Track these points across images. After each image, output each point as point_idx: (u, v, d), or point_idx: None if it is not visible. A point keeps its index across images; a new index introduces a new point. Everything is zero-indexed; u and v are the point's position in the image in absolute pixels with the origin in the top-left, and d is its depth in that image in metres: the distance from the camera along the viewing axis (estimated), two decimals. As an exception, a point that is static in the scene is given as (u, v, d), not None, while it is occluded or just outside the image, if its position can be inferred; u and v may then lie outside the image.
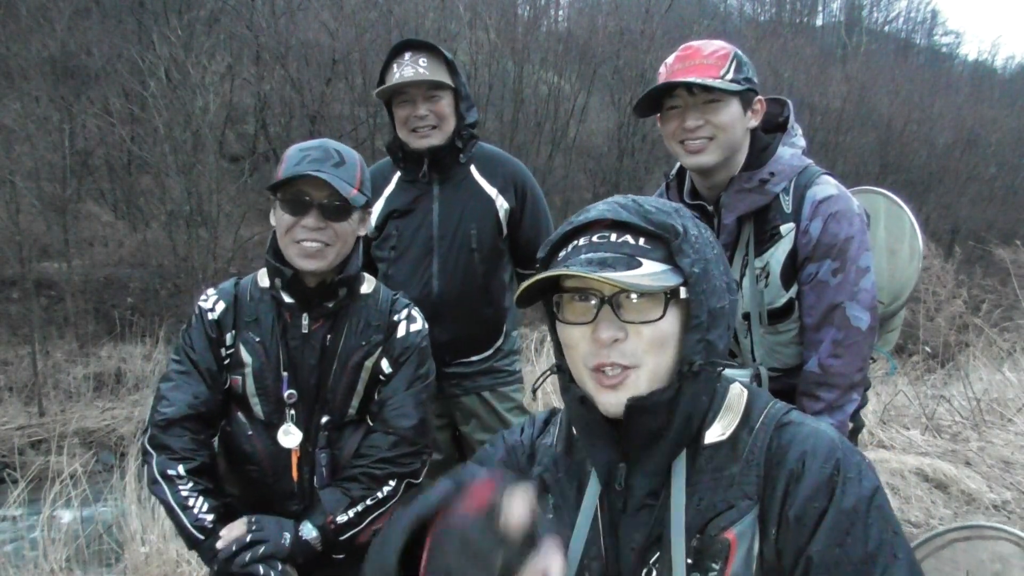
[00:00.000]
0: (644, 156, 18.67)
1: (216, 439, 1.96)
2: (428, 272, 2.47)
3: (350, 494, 1.82)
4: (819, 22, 36.69)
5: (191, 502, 1.77)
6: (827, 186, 1.92)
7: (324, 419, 1.86)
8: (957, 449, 4.73)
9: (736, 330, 2.05)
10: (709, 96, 1.87)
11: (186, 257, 13.76)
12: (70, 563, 3.89)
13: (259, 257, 12.91)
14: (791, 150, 1.98)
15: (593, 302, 1.04)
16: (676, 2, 21.53)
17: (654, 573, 1.05)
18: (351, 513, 1.81)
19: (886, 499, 1.01)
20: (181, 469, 1.78)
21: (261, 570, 1.70)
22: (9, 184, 11.80)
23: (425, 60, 2.37)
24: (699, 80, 1.83)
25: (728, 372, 1.15)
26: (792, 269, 1.93)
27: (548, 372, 1.19)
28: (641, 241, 1.06)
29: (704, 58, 1.87)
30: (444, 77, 2.39)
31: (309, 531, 1.79)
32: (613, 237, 1.06)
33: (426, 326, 1.98)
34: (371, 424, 1.91)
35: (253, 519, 1.79)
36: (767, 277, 1.95)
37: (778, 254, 1.92)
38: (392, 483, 1.86)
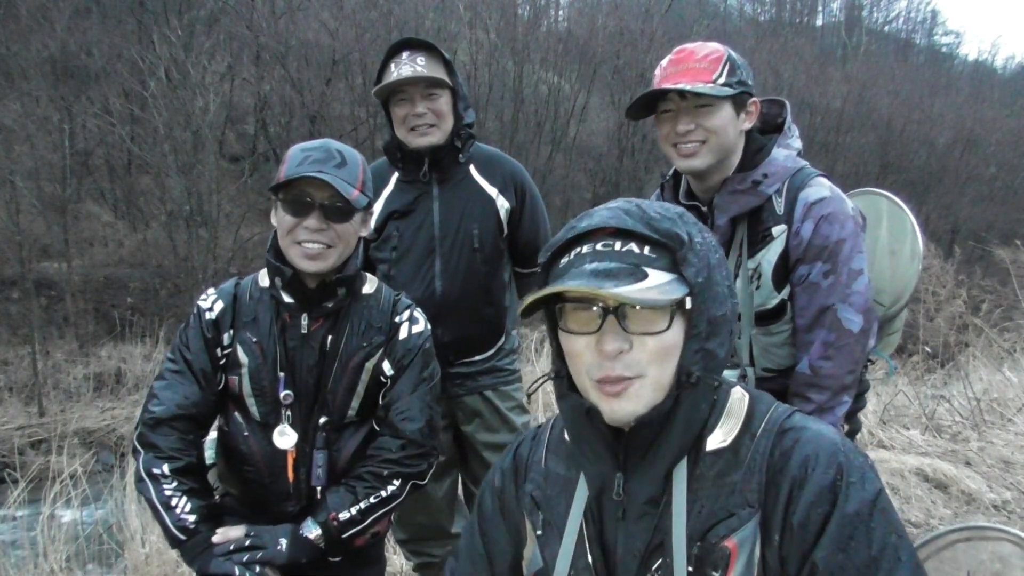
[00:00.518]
0: (644, 156, 18.69)
1: (207, 439, 1.96)
2: (431, 273, 2.47)
3: (354, 492, 1.81)
4: (819, 22, 36.78)
5: (174, 502, 1.76)
6: (820, 188, 1.91)
7: (322, 420, 1.85)
8: (957, 449, 4.74)
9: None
10: (700, 101, 1.87)
11: (186, 257, 13.77)
12: (70, 563, 3.89)
13: (259, 257, 12.93)
14: (786, 151, 1.98)
15: (597, 312, 1.03)
16: (676, 2, 21.54)
17: None
18: (354, 511, 1.80)
19: (889, 502, 1.01)
20: (166, 468, 1.77)
21: (236, 571, 1.68)
22: (9, 184, 11.81)
23: (423, 59, 2.37)
24: (688, 87, 1.84)
25: None
26: (784, 271, 1.93)
27: (544, 378, 1.19)
28: (646, 250, 1.04)
29: (697, 62, 1.88)
30: (442, 75, 2.39)
31: (310, 529, 1.78)
32: (617, 245, 1.04)
33: (428, 327, 1.96)
34: (378, 428, 1.90)
35: (251, 529, 1.78)
36: (759, 278, 1.95)
37: (770, 256, 1.92)
38: (397, 482, 1.85)
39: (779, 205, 1.92)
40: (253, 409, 1.85)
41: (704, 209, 2.01)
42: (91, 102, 14.60)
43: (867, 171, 21.66)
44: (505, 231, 2.55)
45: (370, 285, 1.95)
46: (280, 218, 1.80)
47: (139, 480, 1.80)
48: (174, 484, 1.77)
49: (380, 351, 1.88)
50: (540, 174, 16.11)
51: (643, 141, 18.33)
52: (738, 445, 1.06)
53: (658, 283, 1.01)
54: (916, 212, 2.22)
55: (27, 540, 4.05)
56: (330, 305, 1.84)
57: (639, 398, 1.03)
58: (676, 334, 1.04)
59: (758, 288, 1.95)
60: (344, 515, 1.79)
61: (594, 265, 1.03)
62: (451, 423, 2.62)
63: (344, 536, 1.81)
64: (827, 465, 1.00)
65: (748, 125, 1.96)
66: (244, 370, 1.84)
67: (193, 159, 13.63)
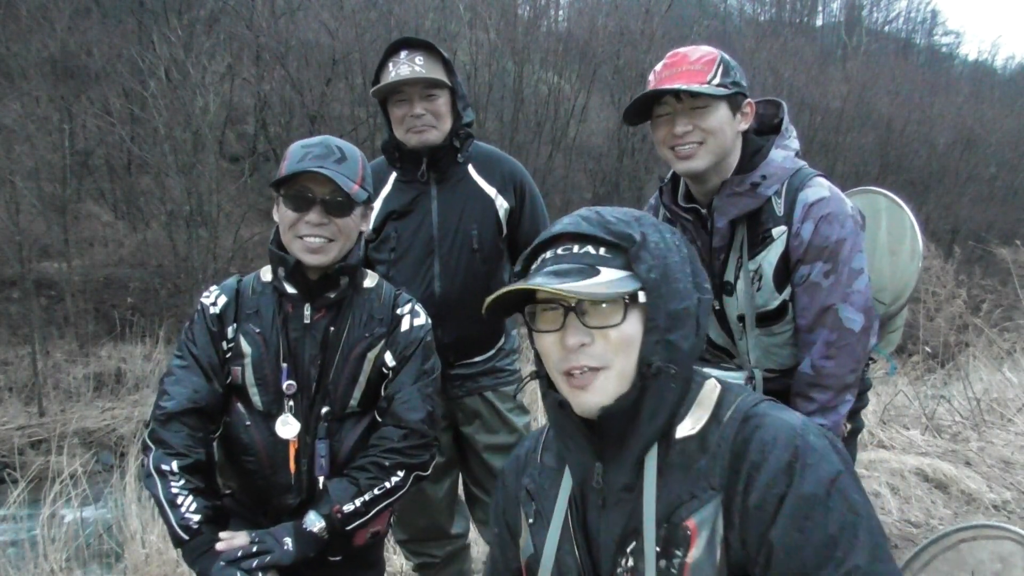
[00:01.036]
0: (644, 156, 18.69)
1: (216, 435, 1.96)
2: (430, 273, 2.46)
3: (358, 483, 1.81)
4: (819, 22, 36.77)
5: (180, 500, 1.76)
6: (819, 188, 1.92)
7: (324, 410, 1.86)
8: (957, 449, 4.74)
9: (733, 332, 2.06)
10: (696, 102, 1.88)
11: (186, 257, 13.77)
12: (70, 563, 3.89)
13: (259, 257, 12.94)
14: (784, 152, 1.98)
15: (560, 311, 1.12)
16: (676, 2, 21.53)
17: (631, 561, 1.11)
18: (358, 502, 1.80)
19: (852, 483, 1.03)
20: (175, 465, 1.78)
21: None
22: (9, 184, 11.81)
23: (421, 58, 2.36)
24: (684, 87, 1.85)
25: (723, 374, 1.19)
26: (785, 271, 1.94)
27: (528, 378, 1.28)
28: (601, 251, 1.13)
29: (690, 64, 1.89)
30: (441, 75, 2.38)
31: (314, 522, 1.77)
32: (575, 249, 1.14)
33: (429, 321, 1.98)
34: (380, 419, 1.92)
35: (254, 535, 1.78)
36: (760, 280, 1.95)
37: (770, 257, 1.93)
38: (400, 473, 1.85)
39: (778, 206, 1.93)
40: (256, 399, 1.87)
41: (704, 212, 2.01)
42: (91, 102, 14.62)
43: (867, 171, 21.67)
44: (504, 231, 2.54)
45: (371, 280, 1.98)
46: (282, 213, 1.84)
47: (147, 476, 1.80)
48: (181, 482, 1.77)
49: (382, 342, 1.90)
50: (540, 174, 16.11)
51: (643, 141, 18.32)
52: (706, 433, 1.11)
53: (608, 279, 1.09)
54: (916, 212, 2.23)
55: (27, 540, 4.05)
56: (333, 295, 1.87)
57: (603, 391, 1.10)
58: (633, 326, 1.10)
59: (759, 289, 1.96)
60: (348, 507, 1.79)
61: (553, 267, 1.13)
62: (451, 424, 2.61)
63: (348, 528, 1.80)
64: (784, 448, 1.03)
65: (744, 126, 1.97)
66: (247, 360, 1.86)
67: (193, 159, 13.64)
